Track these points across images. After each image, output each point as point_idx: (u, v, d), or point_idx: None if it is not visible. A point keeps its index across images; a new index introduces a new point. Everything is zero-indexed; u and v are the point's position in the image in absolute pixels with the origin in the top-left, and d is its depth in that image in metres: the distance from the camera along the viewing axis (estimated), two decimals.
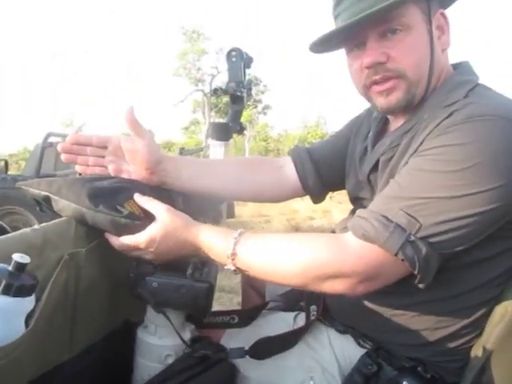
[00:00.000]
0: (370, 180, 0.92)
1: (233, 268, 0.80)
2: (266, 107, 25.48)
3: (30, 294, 0.64)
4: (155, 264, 0.84)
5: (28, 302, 0.64)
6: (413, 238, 0.69)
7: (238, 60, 1.24)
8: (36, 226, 0.73)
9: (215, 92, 1.28)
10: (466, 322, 0.80)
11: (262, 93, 24.47)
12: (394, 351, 0.83)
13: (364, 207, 0.95)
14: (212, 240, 0.81)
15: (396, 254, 0.69)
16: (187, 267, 0.84)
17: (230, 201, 1.01)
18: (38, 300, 0.66)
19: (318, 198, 1.15)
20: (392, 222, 0.70)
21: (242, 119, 1.37)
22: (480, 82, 0.83)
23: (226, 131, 1.27)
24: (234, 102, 1.29)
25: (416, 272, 0.70)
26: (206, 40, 21.88)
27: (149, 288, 0.81)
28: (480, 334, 0.80)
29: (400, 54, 0.80)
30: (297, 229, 4.58)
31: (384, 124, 0.97)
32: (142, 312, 0.88)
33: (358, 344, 0.86)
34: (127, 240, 0.81)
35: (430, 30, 0.81)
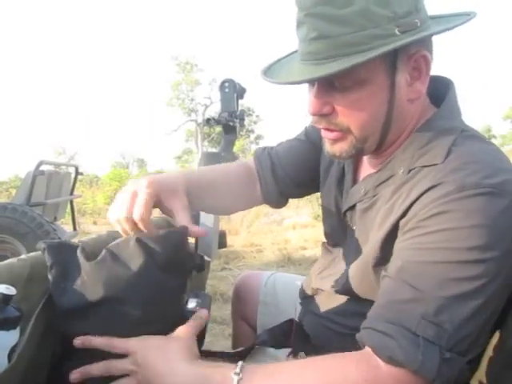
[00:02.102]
0: (346, 216, 0.89)
1: None
2: (259, 137, 25.72)
3: (14, 327, 0.62)
4: None
5: (12, 336, 0.62)
6: (447, 354, 0.61)
7: (231, 91, 1.26)
8: (23, 256, 0.72)
9: (208, 122, 1.29)
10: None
11: (255, 123, 24.75)
12: None
13: (335, 246, 0.94)
14: (205, 377, 0.67)
15: (434, 380, 0.61)
16: None
17: (227, 214, 0.99)
18: (21, 333, 0.64)
19: (276, 206, 1.09)
20: (418, 336, 0.61)
21: (235, 149, 1.38)
22: (462, 120, 0.77)
23: (218, 161, 1.27)
24: (226, 132, 1.30)
25: None
26: (199, 71, 22.23)
27: None
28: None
29: (346, 109, 0.72)
30: (289, 258, 4.54)
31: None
32: None
33: None
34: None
35: (392, 82, 0.71)
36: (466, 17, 0.74)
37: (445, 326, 0.61)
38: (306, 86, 0.77)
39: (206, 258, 1.27)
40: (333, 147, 0.78)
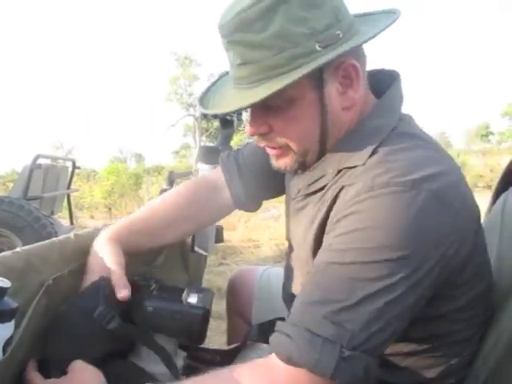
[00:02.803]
0: (290, 212, 0.89)
1: None
2: None
3: (9, 320, 0.62)
4: (151, 289, 0.83)
5: (7, 328, 0.62)
6: (346, 352, 0.60)
7: None
8: (18, 249, 0.72)
9: (205, 116, 1.28)
10: (450, 358, 0.77)
11: None
12: None
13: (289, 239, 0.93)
14: None
15: (332, 378, 0.60)
16: (182, 293, 0.83)
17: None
18: (17, 326, 0.64)
19: (249, 210, 1.06)
20: (318, 336, 0.61)
21: (232, 143, 1.37)
22: (402, 114, 0.76)
23: (216, 155, 1.26)
24: (223, 127, 1.30)
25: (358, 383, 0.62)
26: (197, 66, 22.17)
27: (144, 313, 0.80)
28: (470, 364, 0.79)
29: (282, 127, 0.73)
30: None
31: None
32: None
33: None
34: None
35: (321, 95, 0.70)
36: (392, 15, 0.73)
37: (346, 326, 0.61)
38: None
39: (202, 252, 1.27)
40: (277, 162, 0.79)
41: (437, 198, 0.64)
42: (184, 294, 0.83)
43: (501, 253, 0.86)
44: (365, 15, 0.78)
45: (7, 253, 0.70)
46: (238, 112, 1.29)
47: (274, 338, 0.66)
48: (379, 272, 0.62)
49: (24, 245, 0.75)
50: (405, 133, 0.73)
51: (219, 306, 2.87)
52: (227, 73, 0.80)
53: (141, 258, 0.98)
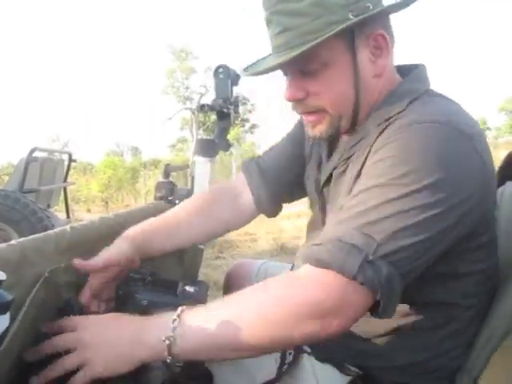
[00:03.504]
0: (323, 192, 0.93)
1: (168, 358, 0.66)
2: (254, 126, 25.62)
3: (4, 313, 0.62)
4: (145, 281, 0.83)
5: (2, 321, 0.62)
6: (371, 257, 0.64)
7: (225, 77, 1.25)
8: (13, 242, 0.71)
9: (202, 108, 1.28)
10: (447, 343, 0.80)
11: (250, 112, 24.64)
12: (379, 377, 0.81)
13: (315, 224, 0.96)
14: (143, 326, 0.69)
15: (355, 278, 0.63)
16: (177, 286, 0.83)
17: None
18: (12, 319, 0.64)
19: (270, 213, 1.10)
20: (347, 243, 0.65)
21: (229, 137, 1.37)
22: (430, 88, 0.82)
23: (212, 147, 1.26)
24: (220, 119, 1.29)
25: (378, 297, 0.65)
26: (194, 59, 22.07)
27: (138, 306, 0.79)
28: (464, 355, 0.79)
29: (318, 90, 0.80)
30: (282, 247, 4.55)
31: None
32: None
33: (342, 372, 0.84)
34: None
35: (355, 61, 0.78)
36: None
37: (375, 237, 0.65)
38: None
39: (199, 246, 1.27)
40: (314, 130, 0.85)
41: (470, 141, 0.70)
42: (179, 287, 0.82)
43: None
44: None
45: (2, 245, 0.70)
46: (235, 104, 1.28)
47: (305, 251, 0.70)
48: (412, 192, 0.66)
49: (20, 238, 0.75)
50: (438, 94, 0.81)
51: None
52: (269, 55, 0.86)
53: None
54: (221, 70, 1.25)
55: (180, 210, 1.04)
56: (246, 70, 0.88)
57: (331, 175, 0.89)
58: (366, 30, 0.78)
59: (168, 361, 0.66)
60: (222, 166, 11.19)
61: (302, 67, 0.79)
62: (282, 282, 0.69)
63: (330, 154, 0.93)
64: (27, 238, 0.75)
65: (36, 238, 0.76)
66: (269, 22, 0.80)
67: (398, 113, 0.76)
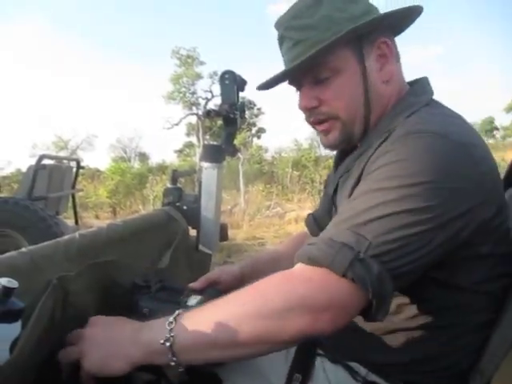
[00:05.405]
0: (334, 201, 0.97)
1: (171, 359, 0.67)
2: (260, 130, 25.66)
3: (16, 320, 0.62)
4: (150, 289, 0.83)
5: (14, 328, 0.62)
6: (362, 255, 0.64)
7: (231, 82, 1.25)
8: (23, 249, 0.72)
9: (208, 114, 1.28)
10: (459, 342, 0.79)
11: (256, 116, 24.68)
12: (389, 374, 0.81)
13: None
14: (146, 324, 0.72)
15: (345, 275, 0.64)
16: (182, 294, 0.83)
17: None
18: (23, 326, 0.64)
19: None
20: (338, 242, 0.66)
21: (236, 142, 1.37)
22: (433, 98, 0.86)
23: (219, 153, 1.26)
24: (227, 124, 1.29)
25: (370, 296, 0.64)
26: (200, 64, 22.16)
27: (140, 313, 0.79)
28: (477, 354, 0.79)
29: (330, 97, 0.85)
30: None
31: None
32: None
33: (353, 377, 0.83)
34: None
35: (363, 68, 0.84)
36: (417, 8, 0.87)
37: (367, 236, 0.66)
38: None
39: (207, 251, 1.27)
40: (327, 138, 0.89)
41: (466, 151, 0.72)
42: (183, 296, 0.82)
43: None
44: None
45: (13, 253, 0.71)
46: (242, 110, 1.28)
47: (299, 251, 0.71)
48: (405, 196, 0.67)
49: (29, 245, 0.76)
50: (438, 106, 0.84)
51: None
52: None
53: (146, 257, 0.98)
54: (227, 75, 1.25)
55: (284, 252, 1.17)
56: (259, 87, 0.93)
57: (337, 185, 0.93)
58: (371, 38, 0.84)
59: (172, 363, 0.67)
60: (229, 172, 11.20)
61: (313, 77, 0.85)
62: (273, 280, 0.70)
63: (337, 167, 0.98)
64: (37, 245, 0.75)
65: (46, 246, 0.77)
66: (282, 39, 0.87)
67: (397, 126, 0.79)
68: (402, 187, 0.68)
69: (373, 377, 0.83)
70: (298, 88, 0.89)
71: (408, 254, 0.66)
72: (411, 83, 0.91)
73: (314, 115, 0.88)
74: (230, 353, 0.68)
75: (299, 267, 0.69)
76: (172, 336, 0.67)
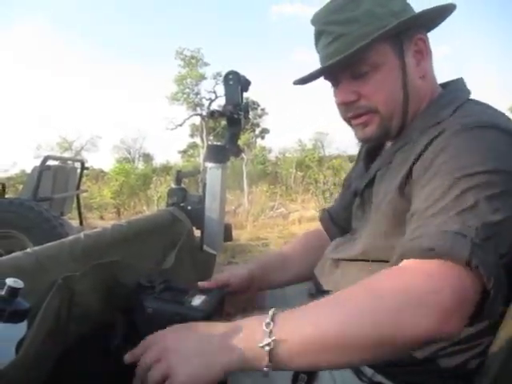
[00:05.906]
0: (364, 196, 0.95)
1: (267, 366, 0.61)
2: (264, 131, 25.65)
3: (22, 320, 0.62)
4: (155, 289, 0.83)
5: (20, 329, 0.63)
6: (478, 240, 0.60)
7: (235, 83, 1.25)
8: (28, 250, 0.72)
9: (212, 114, 1.28)
10: (466, 343, 0.79)
11: (260, 116, 24.68)
12: (394, 375, 0.81)
13: (358, 222, 0.98)
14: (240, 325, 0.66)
15: (468, 262, 0.59)
16: (187, 294, 0.82)
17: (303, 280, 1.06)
18: (29, 327, 0.64)
19: None
20: (448, 231, 0.62)
21: (240, 143, 1.37)
22: (471, 97, 0.87)
23: (223, 153, 1.26)
24: (230, 125, 1.29)
25: (490, 285, 0.59)
26: (204, 65, 22.18)
27: (143, 314, 0.79)
28: (483, 356, 0.78)
29: (369, 91, 0.85)
30: None
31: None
32: None
33: (358, 377, 0.83)
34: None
35: (402, 63, 0.85)
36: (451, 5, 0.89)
37: (470, 223, 0.63)
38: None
39: (211, 251, 1.27)
40: (364, 131, 0.90)
41: None
42: (188, 296, 0.82)
43: None
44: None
45: (18, 253, 0.71)
46: (245, 110, 1.28)
47: (401, 246, 0.68)
48: (487, 182, 0.67)
49: (34, 246, 0.76)
50: (481, 102, 0.85)
51: None
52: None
53: (151, 257, 0.98)
54: (231, 76, 1.25)
55: (289, 249, 1.22)
56: (295, 82, 0.94)
57: (374, 176, 0.92)
58: (409, 34, 0.86)
59: (265, 369, 0.61)
60: (233, 172, 11.21)
61: (352, 71, 0.85)
62: (385, 277, 0.64)
63: (371, 161, 0.98)
64: (42, 246, 0.75)
65: (51, 246, 0.77)
66: (319, 34, 0.88)
67: (444, 120, 0.79)
68: (480, 173, 0.68)
69: (378, 377, 0.82)
70: (334, 83, 0.90)
71: (507, 235, 0.65)
72: (446, 84, 0.93)
73: (353, 110, 0.88)
74: (345, 358, 0.62)
75: (412, 262, 0.64)
76: (273, 340, 0.60)
